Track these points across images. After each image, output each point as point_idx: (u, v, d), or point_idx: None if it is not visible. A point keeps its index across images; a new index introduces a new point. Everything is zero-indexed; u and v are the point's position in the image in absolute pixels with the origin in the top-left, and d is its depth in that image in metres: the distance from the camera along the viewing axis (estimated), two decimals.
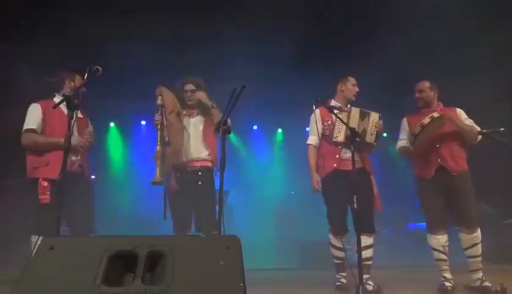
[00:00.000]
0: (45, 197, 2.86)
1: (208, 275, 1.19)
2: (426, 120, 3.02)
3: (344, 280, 3.24)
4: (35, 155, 2.94)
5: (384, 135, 8.21)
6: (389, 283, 3.29)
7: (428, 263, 4.13)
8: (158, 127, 3.03)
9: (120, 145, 8.05)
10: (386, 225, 7.03)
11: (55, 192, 2.78)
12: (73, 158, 2.91)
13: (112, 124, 8.04)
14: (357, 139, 2.84)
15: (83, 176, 3.01)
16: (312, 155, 3.34)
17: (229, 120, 2.34)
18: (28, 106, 3.09)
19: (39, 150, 2.92)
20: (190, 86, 3.29)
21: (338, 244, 3.25)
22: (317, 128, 3.27)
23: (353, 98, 3.36)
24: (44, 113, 2.94)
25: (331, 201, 3.24)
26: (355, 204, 2.60)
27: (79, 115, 3.01)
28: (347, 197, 3.10)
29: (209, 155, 3.22)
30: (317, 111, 3.35)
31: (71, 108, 2.07)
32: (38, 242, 2.50)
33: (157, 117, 3.06)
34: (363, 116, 3.22)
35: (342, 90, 3.37)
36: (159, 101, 3.08)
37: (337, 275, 3.29)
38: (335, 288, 3.19)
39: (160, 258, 1.25)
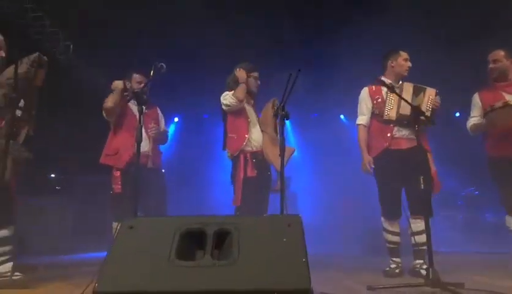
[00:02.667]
0: (117, 187, 3.15)
1: (272, 251, 1.25)
2: (498, 104, 2.79)
3: (394, 265, 3.08)
4: (109, 143, 3.24)
5: (457, 114, 7.69)
6: (464, 268, 3.12)
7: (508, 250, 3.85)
8: None
9: (184, 139, 8.44)
10: (461, 209, 6.64)
11: (126, 182, 3.08)
12: (143, 150, 3.07)
13: (176, 119, 8.48)
14: (422, 117, 2.65)
15: (154, 167, 3.26)
16: (362, 135, 3.20)
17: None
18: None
19: (112, 141, 3.22)
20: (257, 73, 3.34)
21: (391, 228, 3.12)
22: (366, 106, 3.18)
23: (405, 74, 3.14)
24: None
25: (383, 183, 3.11)
26: (421, 185, 2.46)
27: (145, 110, 3.24)
28: (401, 178, 3.01)
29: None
30: (365, 89, 3.24)
31: (140, 103, 2.24)
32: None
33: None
34: (418, 91, 3.00)
35: (392, 66, 3.18)
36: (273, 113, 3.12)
37: (390, 261, 3.13)
38: (383, 273, 3.06)
39: (227, 235, 1.33)
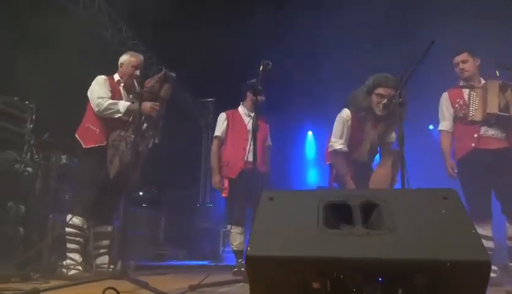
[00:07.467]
0: (225, 192, 3.53)
1: (432, 222, 1.14)
2: None
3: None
4: (222, 155, 3.64)
5: None
6: None
7: None
8: None
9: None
10: None
11: (233, 188, 3.47)
12: (249, 159, 3.37)
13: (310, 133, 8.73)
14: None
15: (256, 171, 3.36)
16: (444, 140, 3.17)
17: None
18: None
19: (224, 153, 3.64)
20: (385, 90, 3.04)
21: (483, 231, 2.87)
22: (448, 112, 3.17)
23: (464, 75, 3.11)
24: (228, 121, 3.65)
25: (469, 184, 2.98)
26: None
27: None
28: (490, 179, 2.93)
29: None
30: (445, 94, 3.21)
31: (255, 94, 2.31)
32: (231, 230, 3.21)
33: None
34: (504, 88, 2.92)
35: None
36: None
37: None
38: None
39: (374, 208, 1.25)
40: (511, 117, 2.89)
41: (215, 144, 3.69)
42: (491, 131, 2.99)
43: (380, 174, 3.07)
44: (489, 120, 2.96)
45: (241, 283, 2.32)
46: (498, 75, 2.99)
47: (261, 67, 2.53)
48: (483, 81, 3.10)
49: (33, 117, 3.47)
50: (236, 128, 3.61)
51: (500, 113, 2.90)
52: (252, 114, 3.56)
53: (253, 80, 2.41)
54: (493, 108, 2.91)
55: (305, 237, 1.15)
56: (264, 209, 1.29)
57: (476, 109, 2.99)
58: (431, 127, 7.88)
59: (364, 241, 1.11)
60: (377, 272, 1.07)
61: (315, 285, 1.13)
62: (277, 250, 1.13)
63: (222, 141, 3.69)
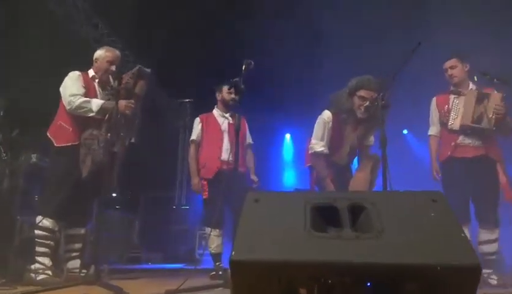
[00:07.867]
0: (205, 193, 3.54)
1: (422, 225, 1.12)
2: None
3: None
4: (199, 158, 3.69)
5: None
6: None
7: None
8: None
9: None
10: None
11: (212, 189, 3.47)
12: (226, 159, 3.48)
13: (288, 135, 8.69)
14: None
15: (236, 171, 3.29)
16: (431, 145, 3.29)
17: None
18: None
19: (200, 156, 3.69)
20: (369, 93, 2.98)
21: None
22: (435, 117, 3.25)
23: (453, 81, 3.14)
24: (202, 125, 3.71)
25: (447, 188, 3.07)
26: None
27: (231, 121, 3.64)
28: (467, 186, 3.01)
29: None
30: (434, 99, 3.29)
31: (238, 92, 2.26)
32: (210, 233, 3.14)
33: None
34: (481, 98, 2.98)
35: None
36: None
37: None
38: None
39: (362, 210, 1.22)
40: (483, 130, 2.95)
41: (192, 148, 3.77)
42: (468, 140, 3.05)
43: (360, 179, 3.07)
44: (465, 130, 3.03)
45: (220, 288, 2.25)
46: (476, 79, 3.04)
47: (244, 67, 2.50)
48: (471, 86, 3.13)
49: (1, 113, 3.30)
50: (209, 130, 3.68)
51: (473, 125, 2.96)
52: (227, 115, 3.72)
53: (237, 79, 2.37)
54: (466, 119, 2.98)
55: (292, 241, 1.11)
56: (249, 211, 1.24)
57: (455, 118, 3.06)
58: (405, 131, 8.06)
59: (353, 245, 1.08)
60: (366, 276, 1.04)
61: (302, 291, 1.09)
62: (263, 254, 1.08)
63: (198, 144, 3.76)
